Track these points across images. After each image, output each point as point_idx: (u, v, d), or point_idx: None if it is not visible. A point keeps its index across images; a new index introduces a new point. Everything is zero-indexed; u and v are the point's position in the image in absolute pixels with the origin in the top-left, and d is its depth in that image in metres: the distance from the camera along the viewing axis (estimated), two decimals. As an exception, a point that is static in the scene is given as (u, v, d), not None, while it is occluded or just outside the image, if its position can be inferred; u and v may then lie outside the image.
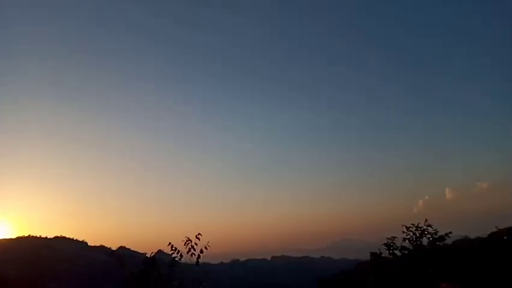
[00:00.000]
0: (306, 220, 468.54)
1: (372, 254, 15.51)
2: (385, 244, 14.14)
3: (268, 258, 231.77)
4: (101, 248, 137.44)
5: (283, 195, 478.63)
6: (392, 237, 14.14)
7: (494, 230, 34.19)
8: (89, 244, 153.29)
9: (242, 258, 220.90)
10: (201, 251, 7.51)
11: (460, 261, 15.62)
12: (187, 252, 7.55)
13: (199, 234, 7.47)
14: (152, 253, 8.62)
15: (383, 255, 14.57)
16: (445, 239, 13.81)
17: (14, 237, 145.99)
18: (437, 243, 13.57)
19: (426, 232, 13.70)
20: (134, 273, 7.95)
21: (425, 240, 13.72)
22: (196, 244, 7.48)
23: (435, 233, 13.65)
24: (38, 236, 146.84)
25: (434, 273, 12.66)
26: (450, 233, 13.73)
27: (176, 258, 7.83)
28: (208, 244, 7.45)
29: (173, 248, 7.60)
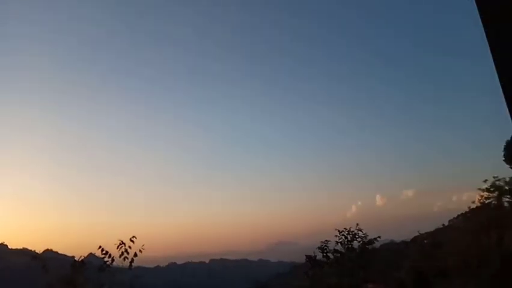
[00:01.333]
0: (244, 223, 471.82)
1: (307, 256, 16.11)
2: (319, 247, 14.78)
3: (207, 261, 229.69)
4: (24, 251, 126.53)
5: (222, 197, 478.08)
6: (325, 240, 14.83)
7: (417, 234, 37.32)
8: (9, 247, 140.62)
9: (180, 262, 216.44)
10: (135, 255, 7.23)
11: (385, 263, 16.73)
12: (120, 256, 7.22)
13: (133, 237, 7.20)
14: (81, 257, 8.15)
15: (317, 257, 15.19)
16: (374, 243, 14.77)
17: None
18: (367, 246, 14.45)
19: (357, 236, 14.55)
20: (60, 278, 7.43)
21: (355, 244, 14.56)
22: (130, 247, 7.19)
23: (365, 237, 14.55)
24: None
25: (362, 274, 13.44)
26: (379, 237, 14.74)
27: (108, 262, 7.46)
28: (143, 247, 7.21)
29: (104, 252, 7.23)
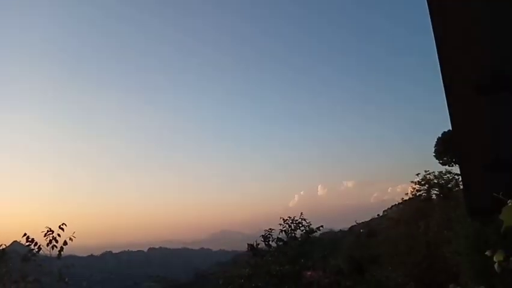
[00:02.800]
0: (185, 212, 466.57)
1: (250, 245, 16.20)
2: (262, 236, 14.92)
3: (145, 250, 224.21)
4: None
5: (162, 186, 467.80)
6: (269, 229, 15.00)
7: (354, 223, 39.47)
8: None
9: (115, 250, 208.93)
10: (65, 243, 6.63)
11: (324, 251, 17.34)
12: (48, 244, 6.58)
13: (63, 224, 6.60)
14: (1, 245, 7.34)
15: (260, 246, 15.32)
16: (316, 232, 15.22)
17: None
18: (309, 235, 14.84)
19: (301, 225, 14.88)
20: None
21: (298, 233, 14.88)
22: (59, 235, 6.58)
23: (309, 226, 14.93)
24: None
25: (303, 262, 13.78)
26: (321, 226, 15.21)
27: (34, 251, 6.79)
28: (74, 235, 6.64)
29: (30, 240, 6.55)
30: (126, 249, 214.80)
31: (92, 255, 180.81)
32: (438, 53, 2.41)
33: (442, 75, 2.50)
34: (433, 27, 2.24)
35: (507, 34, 2.23)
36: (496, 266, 1.48)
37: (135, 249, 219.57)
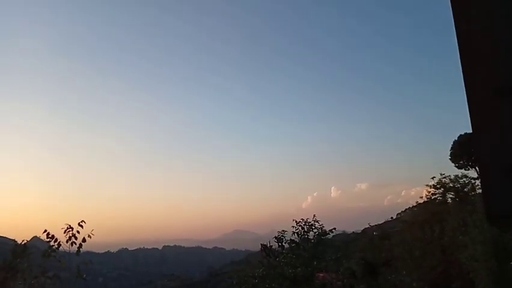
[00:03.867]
0: (199, 211, 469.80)
1: (263, 245, 16.24)
2: (275, 237, 14.94)
3: (160, 248, 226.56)
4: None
5: (177, 185, 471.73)
6: (282, 230, 15.02)
7: (367, 226, 39.02)
8: None
9: (131, 248, 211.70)
10: (83, 240, 6.78)
11: (337, 254, 17.23)
12: (67, 241, 6.75)
13: (82, 221, 6.74)
14: (23, 240, 7.55)
15: (273, 247, 15.34)
16: (328, 234, 15.14)
17: None
18: (322, 237, 14.77)
19: (313, 227, 14.82)
20: (-2, 263, 6.84)
21: (311, 235, 14.83)
22: (78, 232, 6.73)
23: (321, 228, 14.86)
24: None
25: (316, 264, 13.72)
26: (334, 228, 15.12)
27: (54, 247, 6.96)
28: (92, 232, 6.78)
29: (50, 236, 6.72)
30: (142, 247, 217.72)
31: (109, 251, 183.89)
32: (460, 55, 2.38)
33: (464, 77, 2.47)
34: (456, 29, 2.21)
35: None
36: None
37: (150, 247, 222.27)
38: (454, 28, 2.40)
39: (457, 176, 26.39)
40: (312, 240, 14.58)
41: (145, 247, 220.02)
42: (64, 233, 6.79)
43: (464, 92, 2.94)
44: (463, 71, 2.68)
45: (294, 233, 14.87)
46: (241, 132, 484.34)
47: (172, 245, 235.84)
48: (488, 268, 14.52)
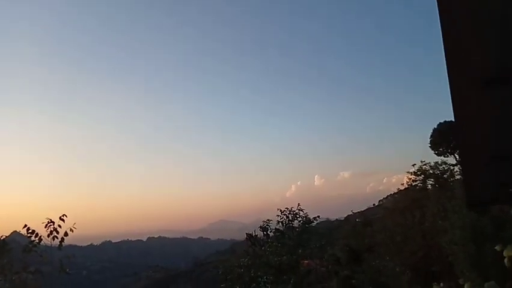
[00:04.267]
0: (184, 202, 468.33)
1: (248, 235, 16.34)
2: (261, 227, 15.05)
3: (144, 240, 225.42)
4: None
5: (161, 175, 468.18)
6: (267, 220, 15.12)
7: (350, 213, 39.73)
8: None
9: (115, 240, 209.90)
10: (65, 234, 6.66)
11: (321, 241, 17.48)
12: (48, 236, 6.61)
13: (63, 215, 6.61)
14: (2, 236, 7.36)
15: (258, 236, 15.45)
16: (313, 222, 15.34)
17: None
18: (306, 225, 14.96)
19: (298, 216, 14.99)
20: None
21: (296, 223, 15.00)
22: (59, 226, 6.59)
23: (306, 217, 15.05)
24: None
25: (301, 252, 13.91)
26: (318, 216, 15.33)
27: (35, 242, 6.81)
28: (74, 226, 6.65)
29: (31, 231, 6.57)
30: (125, 239, 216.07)
31: (92, 244, 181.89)
32: (444, 45, 2.40)
33: (447, 67, 2.50)
34: (440, 19, 2.22)
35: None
36: (506, 261, 1.50)
37: (134, 239, 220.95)
38: (439, 18, 2.42)
39: (436, 163, 27.00)
40: (297, 229, 14.75)
41: (129, 239, 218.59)
42: (45, 227, 6.64)
43: (447, 82, 2.98)
44: (446, 62, 2.72)
45: (279, 222, 15.01)
46: (226, 123, 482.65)
47: (156, 236, 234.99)
48: (466, 252, 15.00)
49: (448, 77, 2.62)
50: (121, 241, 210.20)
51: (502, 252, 1.50)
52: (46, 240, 6.84)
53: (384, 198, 55.13)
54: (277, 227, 15.05)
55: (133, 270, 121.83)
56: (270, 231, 15.04)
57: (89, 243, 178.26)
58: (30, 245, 6.78)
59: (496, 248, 1.63)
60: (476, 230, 14.70)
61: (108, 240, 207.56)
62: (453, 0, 2.09)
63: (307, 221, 15.04)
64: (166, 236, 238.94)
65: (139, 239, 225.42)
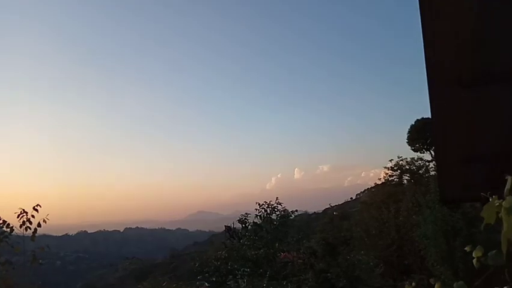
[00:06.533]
0: (162, 192, 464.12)
1: (226, 227, 16.40)
2: (239, 220, 15.11)
3: (121, 230, 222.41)
4: None
5: (140, 165, 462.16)
6: (246, 213, 15.19)
7: (328, 206, 40.43)
8: None
9: (91, 230, 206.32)
10: (38, 225, 6.48)
11: (299, 234, 17.71)
12: (21, 226, 6.42)
13: (37, 205, 6.43)
14: (-29, 226, 7.10)
15: (236, 228, 15.52)
16: (291, 216, 15.51)
17: None
18: (284, 219, 15.11)
19: (276, 209, 15.11)
20: None
21: (274, 216, 15.12)
22: (33, 217, 6.41)
23: (284, 211, 15.19)
24: None
25: (278, 245, 14.05)
26: (296, 210, 15.51)
27: (6, 233, 6.60)
28: (48, 217, 6.48)
29: (1, 222, 6.37)
30: (102, 229, 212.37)
31: (67, 234, 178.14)
32: (424, 45, 2.44)
33: (426, 67, 2.54)
34: (421, 18, 2.25)
35: (495, 29, 2.28)
36: (474, 261, 1.54)
37: (111, 229, 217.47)
38: (420, 17, 2.45)
39: (412, 158, 27.74)
40: (275, 222, 14.87)
41: (106, 230, 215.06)
42: (18, 217, 6.44)
43: (426, 81, 3.04)
44: (425, 62, 2.77)
45: (257, 215, 15.09)
46: (205, 115, 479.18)
47: (134, 227, 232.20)
48: (438, 245, 15.52)
49: (427, 76, 2.67)
50: (97, 231, 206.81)
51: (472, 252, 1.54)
52: (18, 231, 6.65)
53: (361, 192, 56.32)
54: (255, 221, 15.14)
55: (109, 261, 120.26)
56: (248, 225, 15.12)
57: (64, 233, 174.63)
58: (1, 236, 6.58)
59: (466, 249, 1.68)
60: (447, 224, 15.22)
61: (84, 230, 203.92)
62: (433, 2, 2.12)
63: (285, 214, 15.18)
64: (144, 226, 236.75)
65: (116, 229, 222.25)
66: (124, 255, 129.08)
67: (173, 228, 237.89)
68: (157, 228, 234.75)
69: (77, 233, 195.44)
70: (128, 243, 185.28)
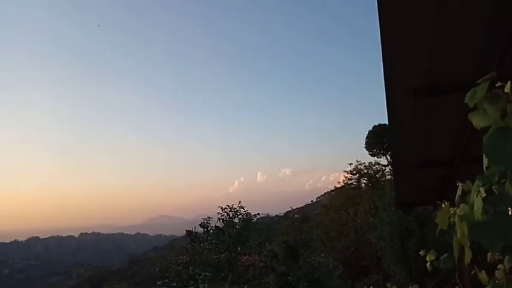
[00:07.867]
0: (121, 195, 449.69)
1: (188, 231, 16.10)
2: (201, 224, 14.90)
3: (76, 236, 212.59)
4: None
5: (97, 167, 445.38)
6: (207, 217, 15.01)
7: (289, 209, 40.96)
8: None
9: (43, 236, 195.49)
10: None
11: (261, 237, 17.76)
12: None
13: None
14: None
15: (198, 232, 15.29)
16: (253, 219, 15.51)
17: None
18: (246, 223, 15.09)
19: (238, 213, 15.05)
20: None
21: (236, 220, 15.06)
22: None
23: (247, 214, 15.17)
24: None
25: (240, 249, 14.00)
26: (258, 214, 15.55)
27: None
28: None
29: None
30: (55, 235, 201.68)
31: (16, 240, 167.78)
32: (382, 53, 2.51)
33: (384, 75, 2.63)
34: (380, 26, 2.32)
35: (449, 42, 2.40)
36: (428, 265, 1.60)
37: (65, 235, 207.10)
38: (379, 28, 2.54)
39: (370, 163, 28.68)
40: (237, 226, 14.82)
41: (60, 235, 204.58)
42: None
43: (384, 89, 3.16)
44: (383, 70, 2.88)
45: (219, 219, 14.96)
46: (170, 114, 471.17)
47: (90, 232, 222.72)
48: (393, 246, 16.16)
49: (384, 84, 2.77)
50: (50, 237, 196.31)
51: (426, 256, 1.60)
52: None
53: (322, 195, 57.53)
54: (217, 225, 15.00)
55: (63, 268, 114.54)
56: (210, 229, 14.94)
57: (13, 239, 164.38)
58: None
59: (420, 253, 1.74)
60: (402, 226, 15.90)
61: (35, 236, 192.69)
62: (392, 12, 2.20)
63: (247, 218, 15.17)
64: (101, 231, 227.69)
65: (71, 234, 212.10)
66: (79, 262, 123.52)
67: (132, 233, 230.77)
68: (114, 232, 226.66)
69: (28, 238, 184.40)
70: (84, 249, 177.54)
